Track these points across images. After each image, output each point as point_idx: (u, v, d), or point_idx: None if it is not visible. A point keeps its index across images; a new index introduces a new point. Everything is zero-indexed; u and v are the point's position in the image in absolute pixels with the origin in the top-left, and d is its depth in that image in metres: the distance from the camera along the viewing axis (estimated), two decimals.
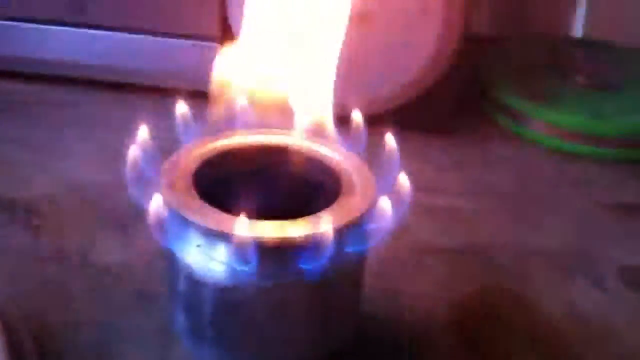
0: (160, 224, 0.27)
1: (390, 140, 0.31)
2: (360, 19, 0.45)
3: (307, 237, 0.26)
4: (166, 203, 0.27)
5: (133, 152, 0.28)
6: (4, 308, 0.30)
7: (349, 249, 0.28)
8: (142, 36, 0.50)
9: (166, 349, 0.32)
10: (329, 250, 0.27)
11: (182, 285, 0.29)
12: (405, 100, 0.48)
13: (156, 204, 0.27)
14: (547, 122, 0.50)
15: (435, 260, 0.39)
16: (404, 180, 0.29)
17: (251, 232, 0.26)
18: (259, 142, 0.31)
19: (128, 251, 0.37)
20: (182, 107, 0.31)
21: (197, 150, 0.30)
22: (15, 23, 0.52)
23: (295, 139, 0.31)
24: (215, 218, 0.27)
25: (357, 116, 0.32)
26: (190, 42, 0.50)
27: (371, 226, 0.28)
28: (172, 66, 0.50)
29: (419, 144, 0.48)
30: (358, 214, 0.28)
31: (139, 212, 0.33)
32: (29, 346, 0.30)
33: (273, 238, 0.26)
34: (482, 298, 0.37)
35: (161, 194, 0.28)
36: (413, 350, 0.33)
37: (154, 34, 0.50)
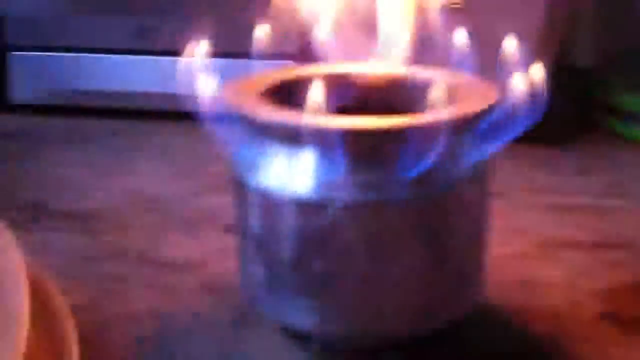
0: (228, 135, 0.22)
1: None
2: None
3: (409, 127, 0.20)
4: (237, 107, 0.22)
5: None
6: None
7: (466, 157, 0.21)
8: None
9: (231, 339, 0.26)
10: (439, 146, 0.20)
11: (255, 216, 0.22)
12: None
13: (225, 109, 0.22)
14: None
15: (576, 253, 0.32)
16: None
17: (340, 124, 0.20)
18: (347, 71, 0.26)
19: (191, 249, 0.33)
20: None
21: (276, 73, 0.25)
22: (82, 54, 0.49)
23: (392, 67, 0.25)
24: (294, 116, 0.21)
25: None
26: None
27: (494, 124, 0.22)
28: None
29: (541, 155, 0.43)
30: (476, 109, 0.21)
31: (203, 215, 0.34)
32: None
33: (367, 128, 0.20)
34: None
35: (232, 101, 0.22)
36: (558, 339, 0.26)
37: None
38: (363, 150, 0.21)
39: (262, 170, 0.22)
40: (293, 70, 0.26)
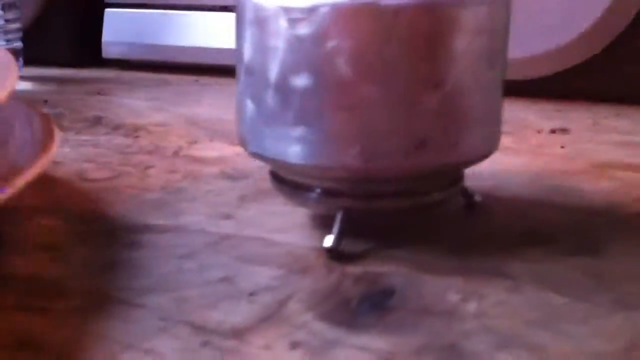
0: None
1: None
2: None
3: None
4: None
5: None
6: None
7: None
8: None
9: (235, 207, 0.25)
10: None
11: (246, 39, 0.21)
12: (586, 55, 0.40)
13: None
14: None
15: (624, 174, 0.29)
16: None
17: None
18: None
19: (227, 151, 0.32)
20: None
21: None
22: (170, 12, 0.51)
23: None
24: None
25: None
26: None
27: None
28: None
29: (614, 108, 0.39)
30: None
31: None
32: None
33: None
34: None
35: None
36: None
37: None
38: None
39: None
40: None
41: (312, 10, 0.20)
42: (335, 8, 0.20)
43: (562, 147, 0.33)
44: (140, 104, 0.42)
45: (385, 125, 0.20)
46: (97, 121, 0.38)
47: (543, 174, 0.29)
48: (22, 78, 0.48)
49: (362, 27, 0.20)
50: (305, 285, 0.20)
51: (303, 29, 0.20)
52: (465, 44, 0.20)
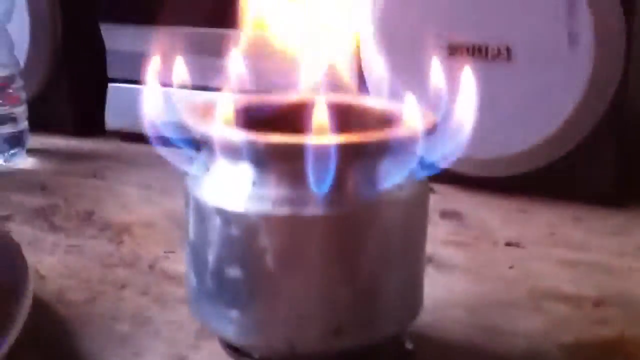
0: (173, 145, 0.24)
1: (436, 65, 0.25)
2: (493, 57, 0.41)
3: (312, 145, 0.21)
4: (177, 116, 0.24)
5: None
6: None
7: (378, 185, 0.22)
8: None
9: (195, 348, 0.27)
10: (330, 168, 0.21)
11: (191, 224, 0.24)
12: (549, 158, 0.42)
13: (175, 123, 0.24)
14: None
15: (560, 306, 0.31)
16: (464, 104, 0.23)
17: (248, 137, 0.22)
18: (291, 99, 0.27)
19: None
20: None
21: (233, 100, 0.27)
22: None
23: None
24: (217, 126, 0.23)
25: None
26: None
27: (409, 158, 0.22)
28: None
29: (575, 209, 0.42)
30: (377, 138, 0.22)
31: None
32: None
33: (275, 143, 0.22)
34: (619, 344, 0.28)
35: (185, 117, 0.24)
36: None
37: None
38: (274, 163, 0.22)
39: (197, 180, 0.24)
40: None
41: (243, 215, 0.23)
42: (263, 216, 0.22)
43: (511, 267, 0.35)
44: (132, 192, 0.45)
45: (306, 313, 0.23)
46: (87, 218, 0.41)
47: (480, 308, 0.31)
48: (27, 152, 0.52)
49: (286, 232, 0.22)
50: None
51: (235, 230, 0.23)
52: (378, 243, 0.23)
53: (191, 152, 0.24)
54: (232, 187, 0.23)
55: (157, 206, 0.43)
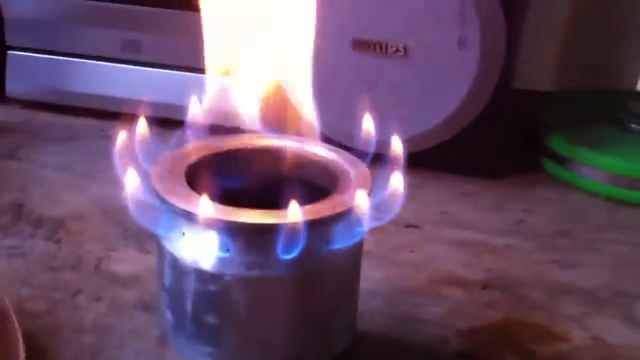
0: (146, 209, 0.27)
1: (396, 144, 0.30)
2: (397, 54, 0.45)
3: (279, 225, 0.26)
4: (154, 190, 0.27)
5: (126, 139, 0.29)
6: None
7: (331, 245, 0.27)
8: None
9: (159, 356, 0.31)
10: (299, 242, 0.26)
11: (167, 275, 0.28)
12: (442, 138, 0.47)
13: (141, 190, 0.27)
14: (596, 167, 0.48)
15: (456, 291, 0.37)
16: (397, 179, 0.28)
17: (226, 216, 0.26)
18: (257, 144, 0.31)
19: (140, 264, 0.38)
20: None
21: (194, 148, 0.30)
22: (74, 59, 0.55)
23: (292, 142, 0.31)
24: (196, 203, 0.26)
25: (368, 122, 0.31)
26: None
27: (357, 223, 0.27)
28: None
29: (462, 185, 0.48)
30: (333, 211, 0.27)
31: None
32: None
33: (245, 223, 0.26)
34: (504, 329, 0.35)
35: (152, 181, 0.27)
36: None
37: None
38: (247, 237, 0.26)
39: (173, 241, 0.28)
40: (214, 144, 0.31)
41: (220, 276, 0.27)
42: (237, 277, 0.27)
43: (411, 251, 0.41)
44: (54, 178, 0.47)
45: (271, 346, 0.28)
46: (18, 212, 0.43)
47: (395, 296, 0.37)
48: None
49: (255, 289, 0.27)
50: None
51: (212, 287, 0.27)
52: (330, 290, 0.28)
53: (166, 218, 0.28)
54: (208, 250, 0.27)
55: (84, 194, 0.45)
